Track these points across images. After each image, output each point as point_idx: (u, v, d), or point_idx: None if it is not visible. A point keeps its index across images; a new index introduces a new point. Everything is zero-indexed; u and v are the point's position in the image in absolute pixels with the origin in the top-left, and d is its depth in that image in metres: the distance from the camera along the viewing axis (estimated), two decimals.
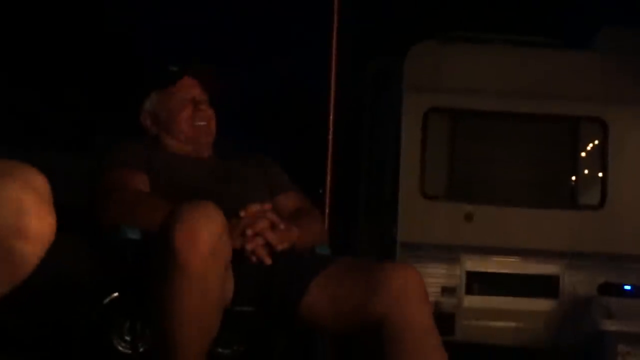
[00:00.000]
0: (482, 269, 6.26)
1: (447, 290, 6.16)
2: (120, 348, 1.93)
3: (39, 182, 1.15)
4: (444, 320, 5.90)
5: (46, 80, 10.24)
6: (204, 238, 1.69)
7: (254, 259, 1.99)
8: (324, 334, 2.08)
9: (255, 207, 2.02)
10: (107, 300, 1.90)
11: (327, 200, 3.97)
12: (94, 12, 11.16)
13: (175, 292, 1.72)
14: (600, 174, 6.47)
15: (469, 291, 6.23)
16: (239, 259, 1.94)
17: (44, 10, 10.44)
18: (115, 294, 1.92)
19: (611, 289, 5.95)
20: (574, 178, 6.65)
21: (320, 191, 3.92)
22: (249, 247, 1.98)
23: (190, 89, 2.31)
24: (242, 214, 1.99)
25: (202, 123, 2.30)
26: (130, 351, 1.93)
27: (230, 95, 2.38)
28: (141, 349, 1.96)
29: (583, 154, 6.67)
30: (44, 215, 1.13)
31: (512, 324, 6.19)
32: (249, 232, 1.98)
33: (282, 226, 2.04)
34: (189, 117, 2.28)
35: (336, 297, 1.95)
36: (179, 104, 2.29)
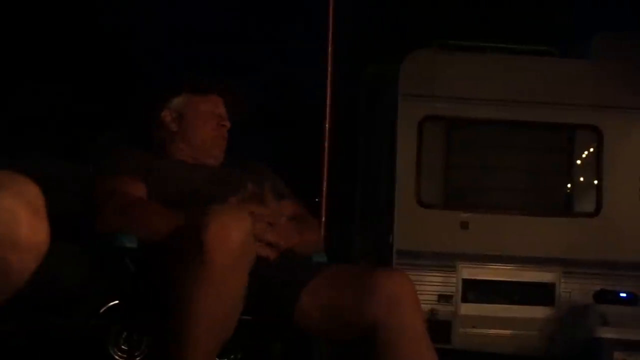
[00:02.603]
0: (478, 277, 6.26)
1: (443, 298, 6.16)
2: (116, 357, 1.93)
3: (32, 192, 1.14)
4: (440, 328, 5.90)
5: (41, 87, 10.23)
6: (234, 238, 1.74)
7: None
8: (320, 341, 2.09)
9: (252, 189, 2.06)
10: (104, 308, 1.89)
11: (323, 208, 3.96)
12: (96, 19, 11.18)
13: (199, 290, 1.74)
14: (595, 182, 6.49)
15: (465, 299, 6.23)
16: None
17: (46, 15, 10.44)
18: (112, 303, 1.92)
19: (607, 296, 5.96)
20: (569, 185, 6.67)
21: (317, 200, 3.92)
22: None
23: (218, 103, 2.37)
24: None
25: (220, 138, 2.35)
26: None
27: (247, 117, 2.44)
28: (138, 358, 1.95)
29: (578, 162, 6.68)
30: (37, 226, 1.13)
31: (508, 332, 6.18)
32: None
33: (282, 220, 2.07)
34: (213, 128, 2.33)
35: (328, 303, 1.97)
36: (208, 113, 2.34)
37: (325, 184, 4.01)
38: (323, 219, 3.89)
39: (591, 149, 6.57)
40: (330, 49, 4.03)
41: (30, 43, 10.17)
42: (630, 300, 5.97)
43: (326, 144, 4.03)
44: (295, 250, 2.15)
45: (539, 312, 6.20)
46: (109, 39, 11.40)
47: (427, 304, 5.82)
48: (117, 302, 1.92)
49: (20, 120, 9.78)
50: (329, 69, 4.03)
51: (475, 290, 6.26)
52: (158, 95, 2.40)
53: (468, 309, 6.21)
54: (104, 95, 10.68)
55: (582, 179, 6.69)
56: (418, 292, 2.00)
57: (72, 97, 10.47)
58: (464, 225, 6.27)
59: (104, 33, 11.34)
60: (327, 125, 4.04)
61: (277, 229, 2.06)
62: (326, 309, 1.96)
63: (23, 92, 10.06)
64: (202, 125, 2.33)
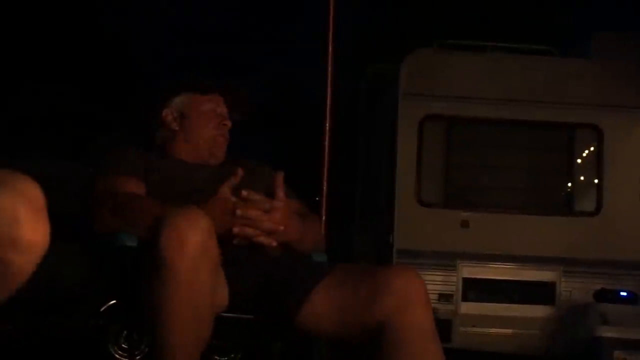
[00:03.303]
0: (479, 276, 6.26)
1: (443, 297, 6.16)
2: (117, 356, 1.93)
3: (33, 191, 1.14)
4: (441, 327, 5.87)
5: (41, 87, 10.23)
6: (191, 242, 1.71)
7: (235, 241, 2.00)
8: (323, 341, 2.08)
9: (251, 195, 2.05)
10: (104, 307, 1.89)
11: (323, 208, 3.96)
12: (97, 20, 11.18)
13: (165, 297, 1.72)
14: (595, 181, 6.48)
15: (466, 298, 6.23)
16: (235, 264, 1.94)
17: (46, 16, 10.44)
18: (112, 302, 1.92)
19: (607, 295, 5.96)
20: (569, 185, 6.66)
21: (317, 199, 3.92)
22: (235, 230, 2.00)
23: (219, 103, 2.37)
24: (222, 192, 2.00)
25: (221, 138, 2.34)
26: (127, 359, 1.93)
27: (248, 117, 2.44)
28: (138, 357, 1.95)
29: (579, 161, 6.68)
30: (37, 225, 1.13)
31: (509, 331, 6.18)
32: (239, 212, 2.00)
33: (279, 204, 2.06)
34: (214, 127, 2.33)
35: (338, 303, 1.94)
36: (209, 112, 2.34)
37: (325, 183, 4.00)
38: (323, 218, 3.89)
39: (591, 148, 6.57)
40: (330, 49, 4.02)
41: (31, 43, 10.18)
42: (631, 299, 5.97)
43: (326, 144, 4.02)
44: (297, 248, 2.14)
45: (539, 311, 6.20)
46: (110, 39, 11.40)
47: None
48: (116, 301, 1.92)
49: (20, 120, 9.78)
50: (329, 69, 4.03)
51: (476, 289, 6.26)
52: (159, 94, 2.40)
53: (468, 307, 6.21)
54: (104, 95, 10.68)
55: (582, 178, 6.68)
56: None
57: (72, 97, 10.47)
58: (465, 224, 6.27)
59: (104, 33, 11.34)
60: (327, 125, 4.03)
61: (274, 215, 2.05)
62: (336, 309, 1.93)
63: (23, 92, 10.06)
64: (203, 125, 2.32)
